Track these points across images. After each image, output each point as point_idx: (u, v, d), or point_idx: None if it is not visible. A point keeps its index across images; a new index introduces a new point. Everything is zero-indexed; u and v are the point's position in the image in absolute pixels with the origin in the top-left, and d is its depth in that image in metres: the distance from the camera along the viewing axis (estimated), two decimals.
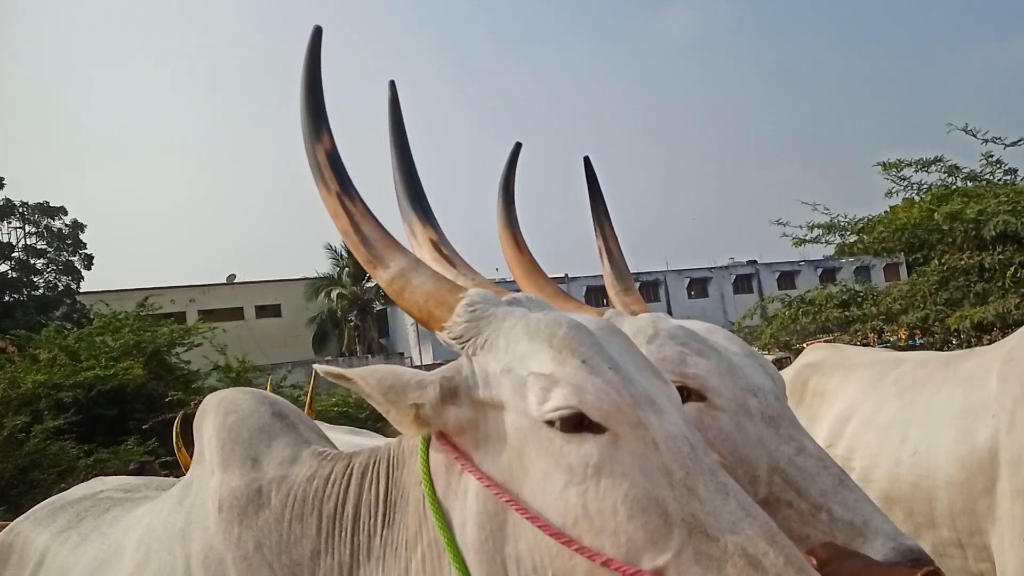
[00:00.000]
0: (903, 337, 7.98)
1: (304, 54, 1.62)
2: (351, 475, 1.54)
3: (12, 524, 2.59)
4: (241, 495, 1.58)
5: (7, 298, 28.40)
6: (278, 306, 40.13)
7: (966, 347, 6.81)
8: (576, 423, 1.21)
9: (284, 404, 1.81)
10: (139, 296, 18.07)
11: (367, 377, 1.36)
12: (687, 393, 1.61)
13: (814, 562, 1.25)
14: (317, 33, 1.62)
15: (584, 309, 1.83)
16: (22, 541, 2.37)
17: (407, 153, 1.78)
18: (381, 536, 1.45)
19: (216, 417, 1.75)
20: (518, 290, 1.76)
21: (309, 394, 5.71)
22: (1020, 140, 7.46)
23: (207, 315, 26.72)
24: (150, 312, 16.26)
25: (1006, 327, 6.39)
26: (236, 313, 36.89)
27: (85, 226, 30.30)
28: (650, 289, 42.32)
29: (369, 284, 37.40)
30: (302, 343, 36.51)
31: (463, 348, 1.37)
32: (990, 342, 6.61)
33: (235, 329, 26.21)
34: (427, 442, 1.39)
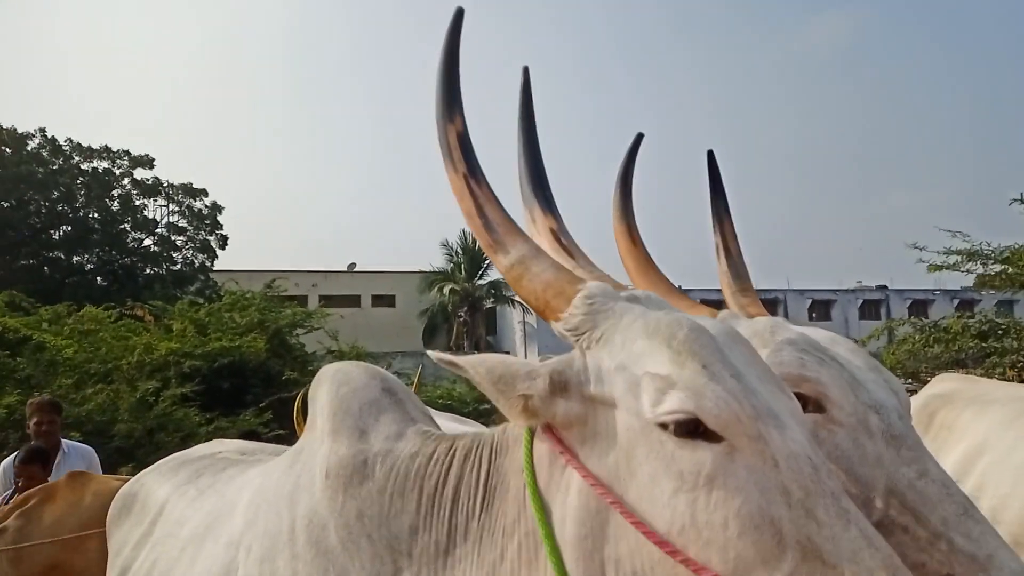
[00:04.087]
0: None
1: (444, 36, 1.64)
2: (453, 456, 1.55)
3: (138, 475, 2.77)
4: (347, 464, 1.62)
5: (148, 270, 30.46)
6: (393, 296, 41.39)
7: None
8: (691, 429, 1.16)
9: (394, 381, 1.85)
10: (266, 277, 18.85)
11: (477, 366, 1.36)
12: (804, 402, 1.51)
13: None
14: (458, 15, 1.64)
15: (699, 309, 1.77)
16: (145, 492, 2.52)
17: (534, 140, 1.78)
18: (479, 520, 1.45)
19: (330, 387, 1.80)
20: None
21: (415, 381, 5.84)
22: None
23: (327, 300, 27.82)
24: (276, 293, 16.99)
25: None
26: (354, 300, 38.30)
27: (223, 208, 32.07)
28: (769, 308, 40.44)
29: (481, 282, 37.93)
30: (412, 334, 37.42)
31: (577, 341, 1.35)
32: None
33: (352, 316, 27.14)
34: (532, 432, 1.38)
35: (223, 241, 31.85)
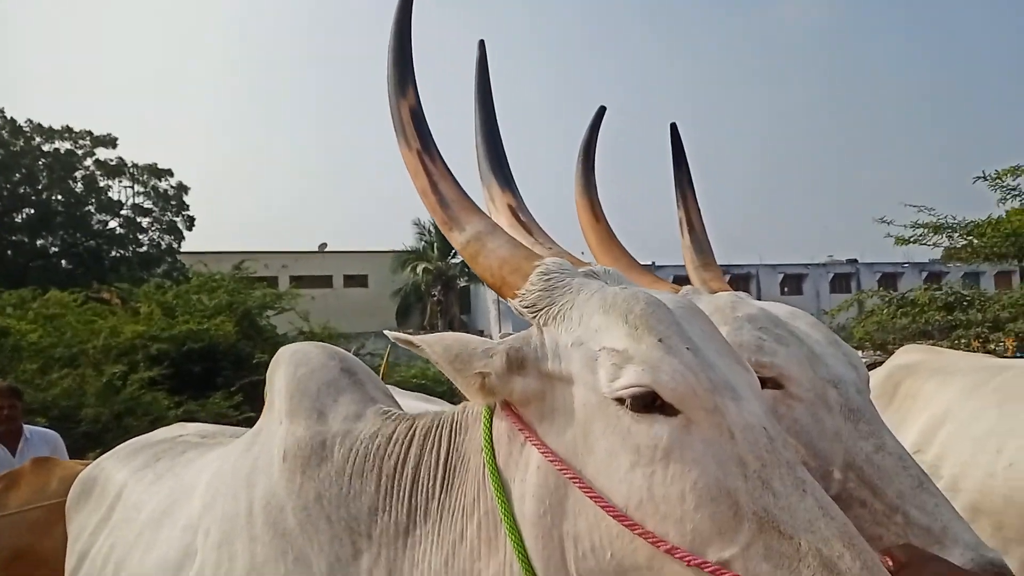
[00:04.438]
0: (1011, 347, 7.48)
1: (394, 10, 1.60)
2: (413, 436, 1.54)
3: (98, 460, 2.72)
4: (305, 446, 1.60)
5: (114, 253, 29.99)
6: (365, 276, 41.16)
7: None
8: (648, 403, 1.16)
9: (353, 361, 1.83)
10: (235, 259, 18.64)
11: (434, 344, 1.35)
12: (763, 381, 1.52)
13: (890, 564, 1.16)
14: None
15: (660, 285, 1.76)
16: (104, 476, 2.48)
17: (491, 115, 1.76)
18: (439, 500, 1.44)
19: (287, 368, 1.78)
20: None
21: (384, 360, 5.82)
22: None
23: (298, 281, 27.56)
24: (245, 275, 16.79)
25: None
26: (325, 281, 38.06)
27: (189, 189, 31.59)
28: (741, 283, 41.19)
29: (454, 260, 37.78)
30: (386, 314, 37.30)
31: (534, 317, 1.34)
32: None
33: (323, 297, 27.01)
34: (491, 411, 1.37)
35: (190, 222, 31.44)
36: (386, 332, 1.55)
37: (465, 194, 1.51)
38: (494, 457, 1.34)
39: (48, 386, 10.08)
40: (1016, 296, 7.54)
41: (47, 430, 5.92)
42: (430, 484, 1.46)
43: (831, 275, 44.26)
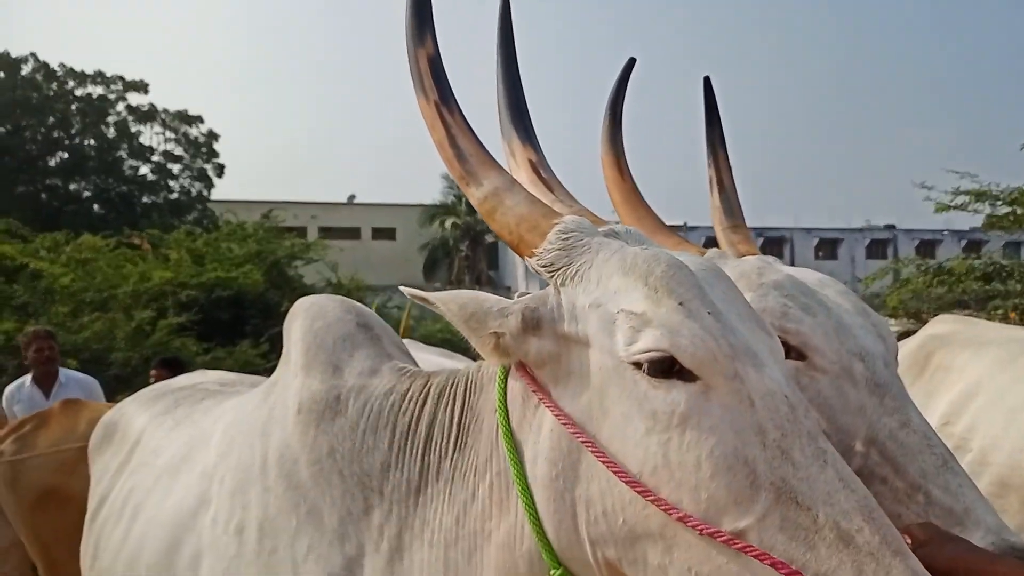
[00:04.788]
0: None
1: None
2: (428, 394, 1.52)
3: (120, 404, 2.75)
4: (320, 400, 1.60)
5: (145, 199, 30.30)
6: (393, 230, 41.17)
7: None
8: (666, 368, 1.12)
9: (370, 315, 1.81)
10: (264, 208, 18.75)
11: (449, 303, 1.31)
12: (787, 350, 1.47)
13: (909, 542, 1.12)
14: None
15: (685, 246, 1.71)
16: (126, 420, 2.51)
17: (514, 67, 1.68)
18: (451, 459, 1.43)
19: (304, 321, 1.77)
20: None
21: (404, 315, 5.84)
22: None
23: (326, 232, 27.71)
24: (274, 224, 16.91)
25: None
26: (354, 233, 38.15)
27: (219, 136, 31.71)
28: (774, 247, 40.67)
29: None
30: (413, 268, 37.43)
31: (552, 277, 1.29)
32: None
33: (351, 249, 27.10)
34: (506, 371, 1.34)
35: (220, 170, 31.64)
36: (402, 288, 1.52)
37: (484, 148, 1.46)
38: (507, 418, 1.32)
39: (79, 329, 10.30)
40: None
41: (85, 376, 6.04)
42: (443, 443, 1.45)
43: (868, 240, 43.50)
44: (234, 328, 12.42)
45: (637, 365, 1.14)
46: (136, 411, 2.50)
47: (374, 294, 16.52)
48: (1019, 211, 7.64)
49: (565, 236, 1.29)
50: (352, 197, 43.02)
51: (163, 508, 1.90)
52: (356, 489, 1.49)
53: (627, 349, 1.15)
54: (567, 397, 1.23)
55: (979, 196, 8.09)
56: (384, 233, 41.05)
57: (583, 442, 1.18)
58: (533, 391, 1.27)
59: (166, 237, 15.30)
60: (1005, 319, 7.41)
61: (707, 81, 1.95)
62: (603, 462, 1.14)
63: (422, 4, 1.50)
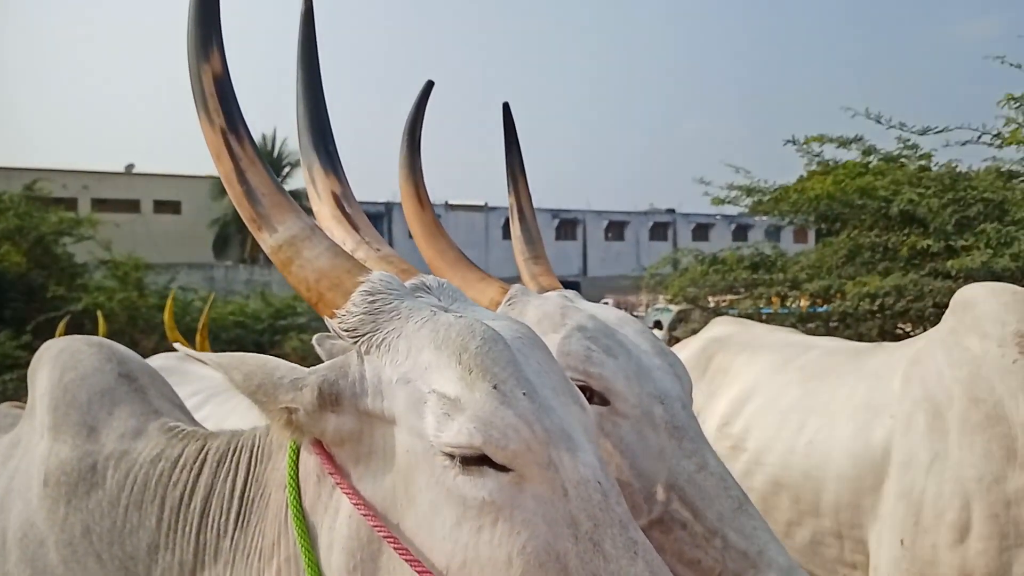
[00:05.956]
0: (804, 304, 8.20)
1: None
2: (205, 460, 1.35)
3: None
4: (72, 470, 1.38)
5: None
6: (178, 203, 38.11)
7: (861, 317, 7.02)
8: (479, 457, 1.05)
9: (135, 363, 1.57)
10: (28, 177, 16.84)
11: (231, 370, 1.16)
12: (590, 395, 1.48)
13: None
14: None
15: (488, 283, 1.67)
16: None
17: (316, 81, 1.50)
18: (232, 538, 1.28)
19: (52, 371, 1.51)
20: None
21: (203, 316, 5.48)
22: (929, 129, 7.53)
23: (100, 205, 25.25)
24: (39, 195, 15.18)
25: (900, 301, 6.60)
26: (132, 206, 35.00)
27: None
28: (568, 227, 42.72)
29: None
30: (201, 245, 35.08)
31: (356, 344, 1.17)
32: (882, 312, 6.86)
33: (129, 223, 24.96)
34: (299, 442, 1.21)
35: None
36: (176, 345, 1.33)
37: (279, 186, 1.29)
38: (299, 497, 1.19)
39: None
40: (812, 258, 8.22)
41: None
42: (222, 519, 1.30)
43: (651, 223, 46.62)
44: None
45: (448, 453, 1.06)
46: None
47: (156, 273, 15.34)
48: (781, 205, 8.50)
49: (372, 299, 1.18)
50: (131, 166, 39.36)
51: None
52: (118, 575, 1.30)
53: (438, 436, 1.06)
54: (368, 479, 1.13)
55: (749, 192, 8.93)
56: (168, 206, 37.83)
57: (384, 537, 1.08)
58: (329, 472, 1.15)
59: None
60: (769, 303, 8.26)
61: (506, 107, 1.90)
62: (406, 559, 1.06)
63: (207, 12, 1.30)
